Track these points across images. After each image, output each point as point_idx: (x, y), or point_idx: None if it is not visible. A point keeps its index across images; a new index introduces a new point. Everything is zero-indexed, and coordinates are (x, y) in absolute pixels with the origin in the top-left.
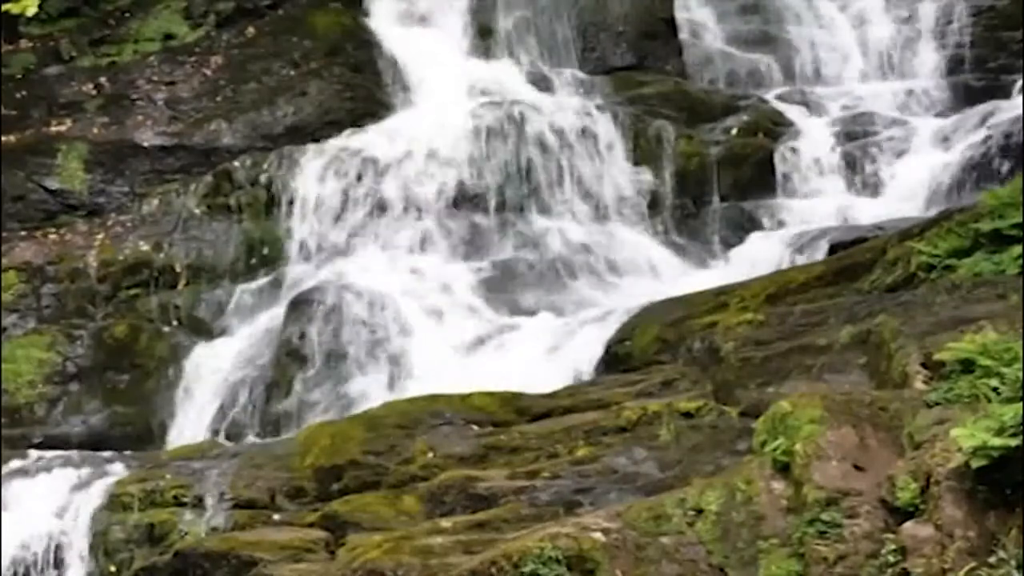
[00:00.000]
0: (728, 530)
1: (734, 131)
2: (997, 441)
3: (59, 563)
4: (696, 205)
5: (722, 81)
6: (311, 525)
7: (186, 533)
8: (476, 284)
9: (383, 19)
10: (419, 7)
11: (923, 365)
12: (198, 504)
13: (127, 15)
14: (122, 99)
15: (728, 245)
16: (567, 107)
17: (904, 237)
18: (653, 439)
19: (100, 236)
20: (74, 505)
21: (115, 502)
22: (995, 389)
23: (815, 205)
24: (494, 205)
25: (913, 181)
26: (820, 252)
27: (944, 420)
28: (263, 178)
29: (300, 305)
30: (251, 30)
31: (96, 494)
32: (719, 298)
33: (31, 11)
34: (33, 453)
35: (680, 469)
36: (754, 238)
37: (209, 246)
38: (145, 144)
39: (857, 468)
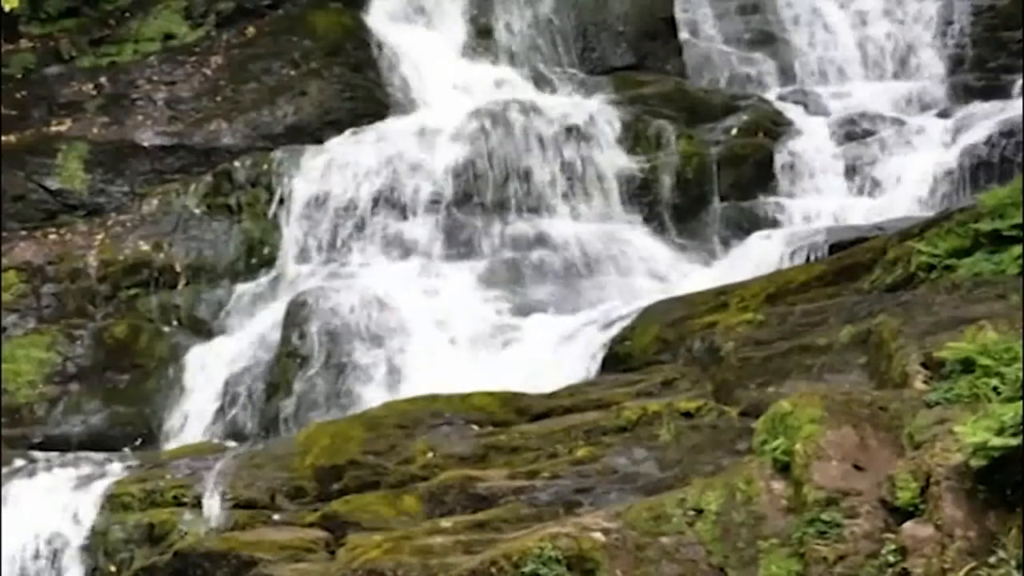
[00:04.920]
0: (728, 530)
1: (734, 131)
2: (997, 441)
3: (59, 563)
4: (696, 205)
5: (722, 81)
6: (311, 525)
7: (186, 533)
8: (476, 284)
9: (383, 19)
10: (419, 7)
11: (923, 365)
12: (198, 504)
13: (127, 15)
14: (122, 99)
15: (728, 245)
16: (567, 107)
17: (904, 237)
18: (653, 439)
19: (100, 236)
20: (74, 505)
21: (115, 502)
22: (995, 389)
23: (815, 205)
24: (494, 205)
25: (913, 181)
26: (820, 252)
27: (944, 420)
28: (263, 178)
29: (300, 305)
30: (251, 30)
31: (96, 494)
32: (719, 298)
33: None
34: (33, 453)
35: (680, 469)
36: (754, 238)
37: (209, 246)
38: (145, 144)
39: (857, 468)
